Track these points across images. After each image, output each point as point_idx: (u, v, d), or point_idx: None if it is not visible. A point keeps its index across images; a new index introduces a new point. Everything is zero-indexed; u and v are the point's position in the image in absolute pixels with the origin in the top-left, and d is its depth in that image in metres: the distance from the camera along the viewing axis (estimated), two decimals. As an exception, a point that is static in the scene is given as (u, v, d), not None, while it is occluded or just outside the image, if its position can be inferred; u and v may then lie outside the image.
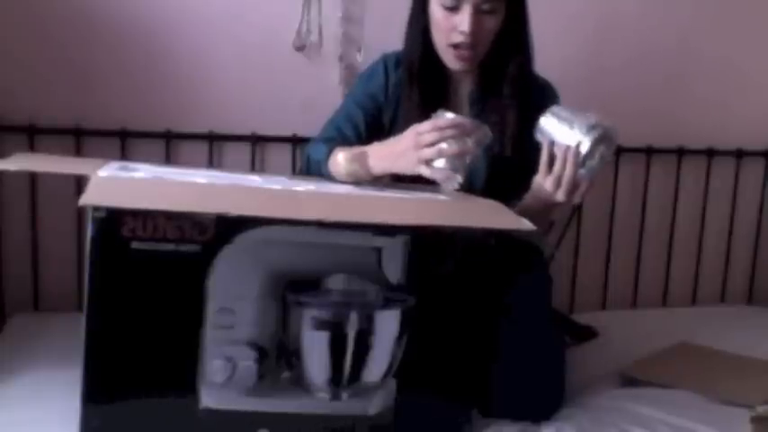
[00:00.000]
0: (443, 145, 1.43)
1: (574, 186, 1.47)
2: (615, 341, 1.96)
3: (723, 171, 2.43)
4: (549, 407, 1.55)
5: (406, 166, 1.48)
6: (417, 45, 1.68)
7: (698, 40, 2.36)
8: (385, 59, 1.77)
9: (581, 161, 1.46)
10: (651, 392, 1.66)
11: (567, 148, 1.45)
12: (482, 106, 1.68)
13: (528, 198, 1.56)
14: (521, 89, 1.66)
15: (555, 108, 1.52)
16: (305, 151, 1.81)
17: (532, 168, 1.53)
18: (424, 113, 1.53)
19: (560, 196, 1.48)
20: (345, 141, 1.67)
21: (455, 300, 1.35)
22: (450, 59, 1.64)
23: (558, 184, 1.47)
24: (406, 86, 1.69)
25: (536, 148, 1.52)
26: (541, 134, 1.50)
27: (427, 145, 1.44)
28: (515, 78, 1.66)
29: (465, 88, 1.72)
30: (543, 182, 1.49)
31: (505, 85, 1.66)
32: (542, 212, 1.56)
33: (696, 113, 2.38)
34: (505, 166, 1.64)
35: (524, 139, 1.57)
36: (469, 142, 1.45)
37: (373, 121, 1.73)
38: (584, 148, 1.45)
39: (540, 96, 1.68)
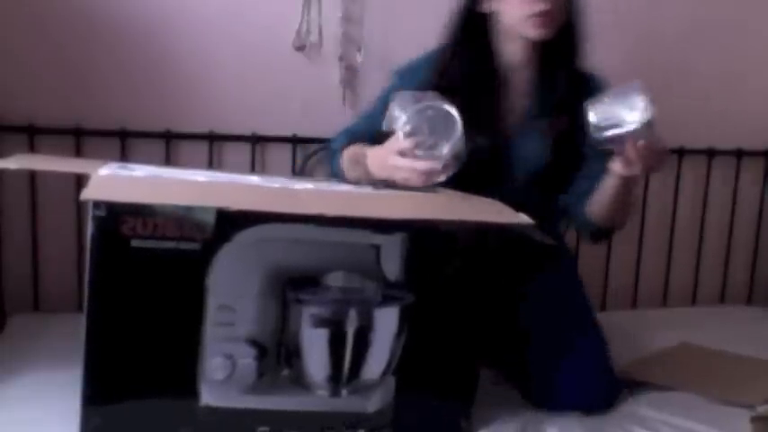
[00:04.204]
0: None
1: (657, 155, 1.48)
2: (615, 341, 1.96)
3: (723, 171, 2.43)
4: (611, 396, 1.61)
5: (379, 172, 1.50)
6: (472, 37, 1.66)
7: (698, 39, 2.36)
8: (400, 75, 1.74)
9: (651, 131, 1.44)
10: (653, 394, 1.66)
11: (635, 127, 1.44)
12: (538, 99, 1.68)
13: (609, 183, 1.57)
14: (576, 82, 1.66)
15: (591, 100, 1.49)
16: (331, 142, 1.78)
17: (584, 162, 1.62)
18: (481, 109, 1.55)
19: (656, 168, 1.52)
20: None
21: (456, 298, 1.34)
22: (530, 28, 1.61)
23: (645, 162, 1.47)
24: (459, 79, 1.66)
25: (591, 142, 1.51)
26: (597, 127, 1.47)
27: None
28: (570, 71, 1.67)
29: (520, 80, 1.69)
30: (625, 169, 1.50)
31: (561, 78, 1.66)
32: (629, 191, 1.59)
33: (696, 113, 2.38)
34: (562, 158, 1.67)
35: (577, 132, 1.55)
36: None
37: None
38: (648, 116, 1.43)
39: (593, 89, 1.66)
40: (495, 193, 1.48)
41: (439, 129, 1.43)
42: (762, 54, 2.43)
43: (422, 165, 1.43)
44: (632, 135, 1.43)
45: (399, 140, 1.44)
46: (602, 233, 1.73)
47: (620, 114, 1.44)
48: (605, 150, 1.50)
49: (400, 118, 1.45)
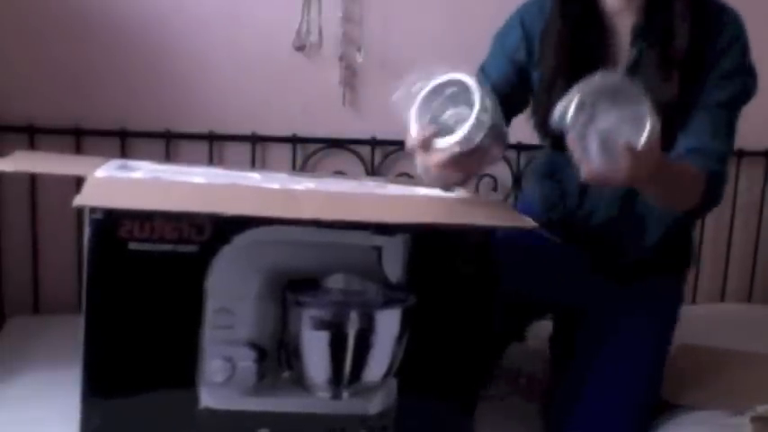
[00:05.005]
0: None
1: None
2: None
3: (723, 171, 2.43)
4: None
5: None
6: None
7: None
8: (522, 12, 1.58)
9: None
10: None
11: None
12: (646, 43, 1.46)
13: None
14: (695, 18, 1.45)
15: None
16: None
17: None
18: (575, 56, 1.41)
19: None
20: None
21: (460, 299, 1.34)
22: None
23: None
24: (557, 22, 1.50)
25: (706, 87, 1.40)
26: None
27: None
28: (677, 13, 1.44)
29: (625, 23, 1.50)
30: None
31: (675, 13, 1.44)
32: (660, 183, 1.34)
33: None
34: (674, 111, 1.41)
35: (695, 81, 1.43)
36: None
37: (510, 86, 1.55)
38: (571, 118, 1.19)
39: (718, 29, 1.49)
40: None
41: (458, 104, 1.25)
42: (763, 53, 2.42)
43: (435, 158, 1.24)
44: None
45: (410, 137, 1.26)
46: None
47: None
48: None
49: (410, 110, 1.26)
